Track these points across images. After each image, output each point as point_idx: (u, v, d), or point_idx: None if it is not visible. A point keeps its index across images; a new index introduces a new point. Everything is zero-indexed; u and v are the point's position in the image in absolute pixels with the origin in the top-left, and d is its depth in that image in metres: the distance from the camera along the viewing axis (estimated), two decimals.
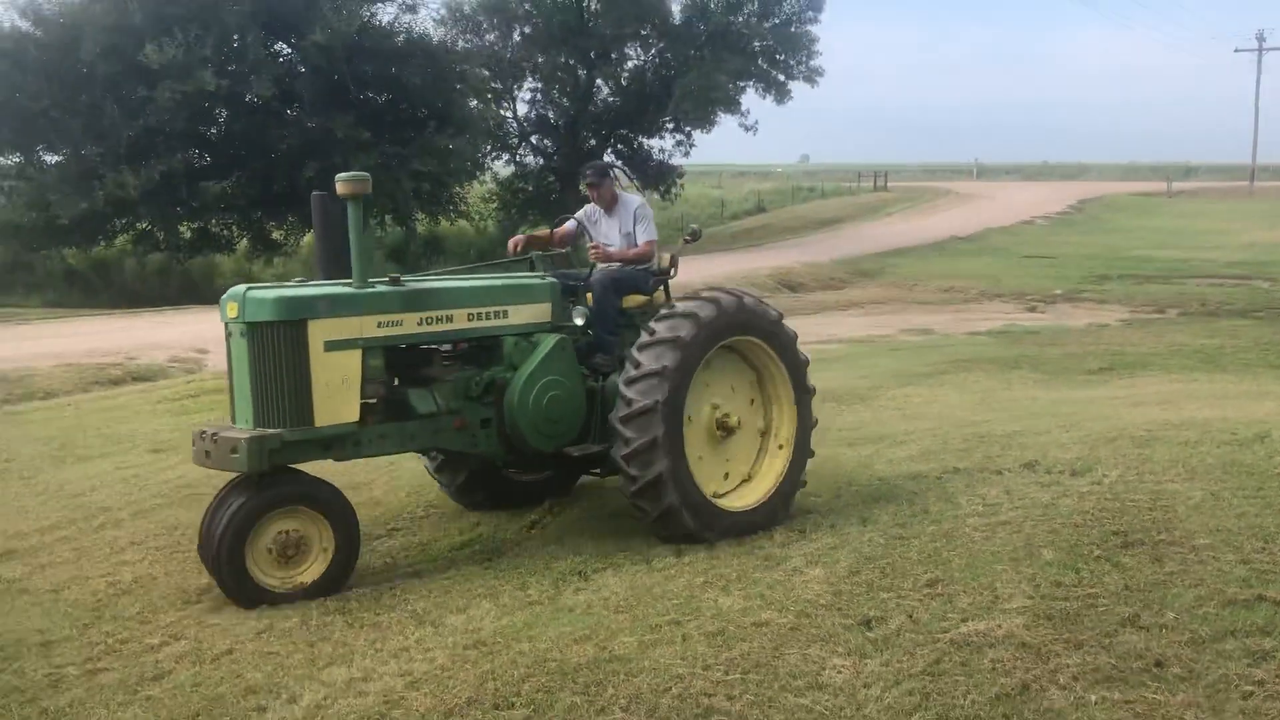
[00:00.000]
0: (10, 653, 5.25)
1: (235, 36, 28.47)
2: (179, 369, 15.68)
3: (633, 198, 7.53)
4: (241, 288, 5.93)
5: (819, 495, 7.40)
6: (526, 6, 40.09)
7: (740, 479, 6.93)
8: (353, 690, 4.56)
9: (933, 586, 5.37)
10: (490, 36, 40.85)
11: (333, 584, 5.92)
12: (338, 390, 5.87)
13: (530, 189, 42.59)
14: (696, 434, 6.62)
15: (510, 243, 7.41)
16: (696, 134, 43.15)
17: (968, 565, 5.66)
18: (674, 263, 7.38)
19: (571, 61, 41.42)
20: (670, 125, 42.60)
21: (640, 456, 6.22)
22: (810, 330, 19.43)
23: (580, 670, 4.58)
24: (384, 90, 32.09)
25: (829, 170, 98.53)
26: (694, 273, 29.71)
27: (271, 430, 5.74)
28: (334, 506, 5.97)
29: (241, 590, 5.72)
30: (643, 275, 7.30)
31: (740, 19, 40.78)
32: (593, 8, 40.19)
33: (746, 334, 6.71)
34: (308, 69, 30.01)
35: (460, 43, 37.78)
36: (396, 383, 6.49)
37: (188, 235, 31.72)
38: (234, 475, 5.87)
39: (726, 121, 43.41)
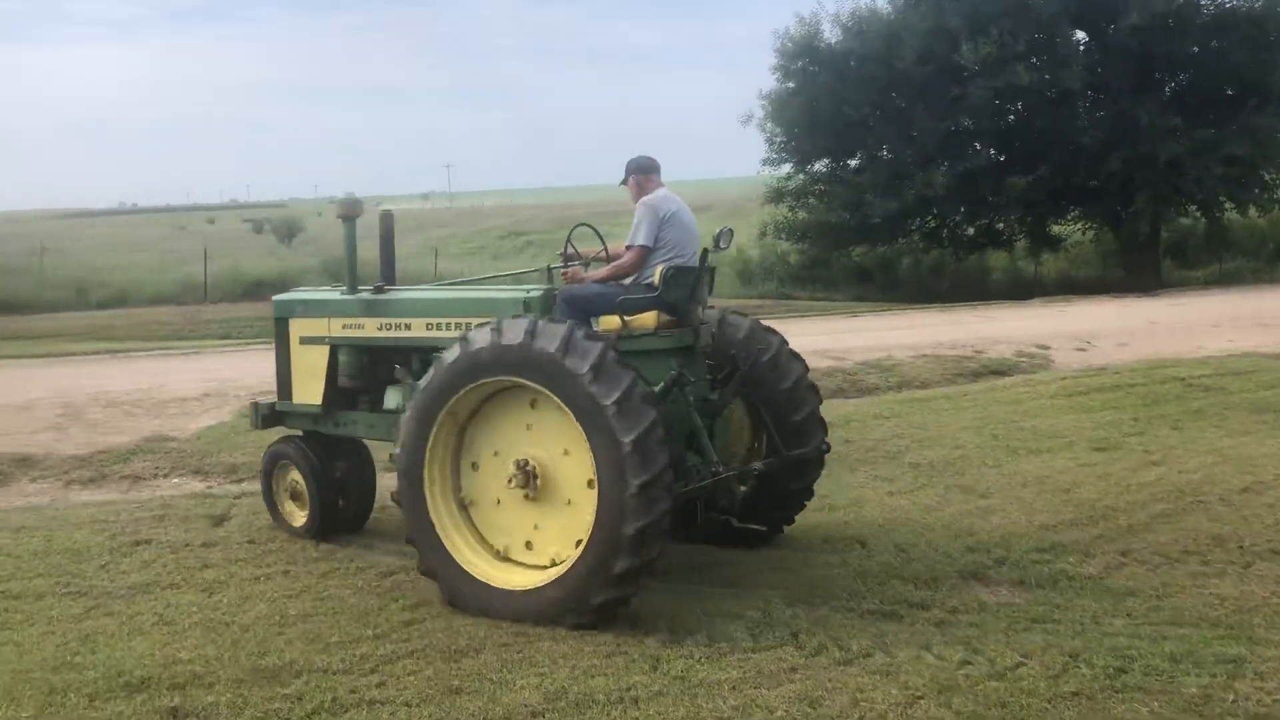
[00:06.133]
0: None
1: (1046, 30, 28.18)
2: (1028, 364, 15.66)
3: (649, 196, 6.41)
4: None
5: None
6: None
7: (547, 560, 5.80)
8: None
9: None
10: None
11: (311, 529, 7.29)
12: (308, 376, 7.29)
13: None
14: (491, 477, 5.95)
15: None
16: None
17: None
18: (665, 279, 6.14)
19: None
20: None
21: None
22: None
23: None
24: (1194, 69, 29.61)
25: None
26: None
27: (267, 401, 7.62)
28: (309, 465, 7.29)
29: (272, 515, 7.61)
30: (611, 294, 6.17)
31: None
32: None
33: (505, 375, 5.65)
34: (1115, 55, 28.71)
35: None
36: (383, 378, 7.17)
37: (970, 232, 32.30)
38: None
39: None
